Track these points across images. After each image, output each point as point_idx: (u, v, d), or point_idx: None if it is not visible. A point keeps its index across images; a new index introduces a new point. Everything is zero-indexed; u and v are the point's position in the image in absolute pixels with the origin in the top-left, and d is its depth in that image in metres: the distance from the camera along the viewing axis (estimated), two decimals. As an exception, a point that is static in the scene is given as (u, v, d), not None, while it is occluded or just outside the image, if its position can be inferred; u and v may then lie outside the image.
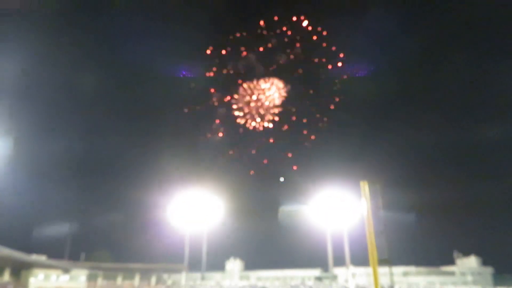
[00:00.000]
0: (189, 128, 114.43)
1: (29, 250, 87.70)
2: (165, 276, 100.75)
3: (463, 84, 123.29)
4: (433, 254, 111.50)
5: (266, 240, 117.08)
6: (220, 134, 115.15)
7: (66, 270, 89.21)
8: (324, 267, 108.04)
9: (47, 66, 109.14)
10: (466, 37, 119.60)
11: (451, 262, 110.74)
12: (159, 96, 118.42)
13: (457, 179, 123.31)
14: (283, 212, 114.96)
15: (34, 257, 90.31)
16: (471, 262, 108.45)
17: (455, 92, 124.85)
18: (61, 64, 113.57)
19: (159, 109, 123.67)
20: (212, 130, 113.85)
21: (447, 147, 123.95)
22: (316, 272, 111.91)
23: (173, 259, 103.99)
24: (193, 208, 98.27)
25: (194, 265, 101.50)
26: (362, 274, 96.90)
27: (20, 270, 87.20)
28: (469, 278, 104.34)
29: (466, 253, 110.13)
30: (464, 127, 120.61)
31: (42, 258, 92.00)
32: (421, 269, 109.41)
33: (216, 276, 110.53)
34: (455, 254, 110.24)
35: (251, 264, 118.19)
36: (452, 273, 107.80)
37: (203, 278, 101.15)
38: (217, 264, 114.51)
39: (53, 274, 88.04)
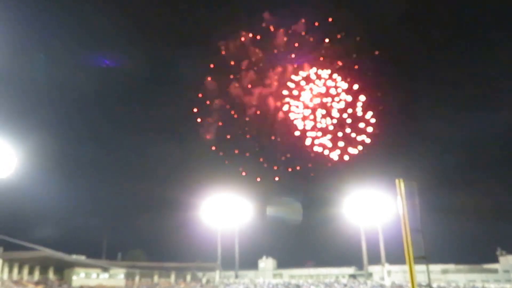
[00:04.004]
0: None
1: (69, 250, 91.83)
2: (200, 274, 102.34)
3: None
4: (474, 253, 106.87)
5: (299, 238, 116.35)
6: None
7: (105, 269, 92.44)
8: (359, 265, 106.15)
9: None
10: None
11: (494, 260, 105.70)
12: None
13: (500, 177, 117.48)
14: (316, 210, 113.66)
15: (75, 257, 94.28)
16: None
17: (502, 87, 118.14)
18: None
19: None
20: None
21: (488, 144, 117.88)
22: (351, 270, 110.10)
23: (206, 258, 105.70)
24: (225, 207, 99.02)
25: (227, 264, 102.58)
26: (398, 271, 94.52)
27: (63, 269, 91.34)
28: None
29: (511, 251, 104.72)
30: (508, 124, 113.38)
31: (82, 258, 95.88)
32: (461, 266, 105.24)
33: (249, 274, 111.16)
34: (498, 251, 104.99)
35: (284, 262, 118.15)
36: (494, 271, 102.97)
37: (236, 276, 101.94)
38: (250, 262, 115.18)
39: (94, 273, 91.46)
